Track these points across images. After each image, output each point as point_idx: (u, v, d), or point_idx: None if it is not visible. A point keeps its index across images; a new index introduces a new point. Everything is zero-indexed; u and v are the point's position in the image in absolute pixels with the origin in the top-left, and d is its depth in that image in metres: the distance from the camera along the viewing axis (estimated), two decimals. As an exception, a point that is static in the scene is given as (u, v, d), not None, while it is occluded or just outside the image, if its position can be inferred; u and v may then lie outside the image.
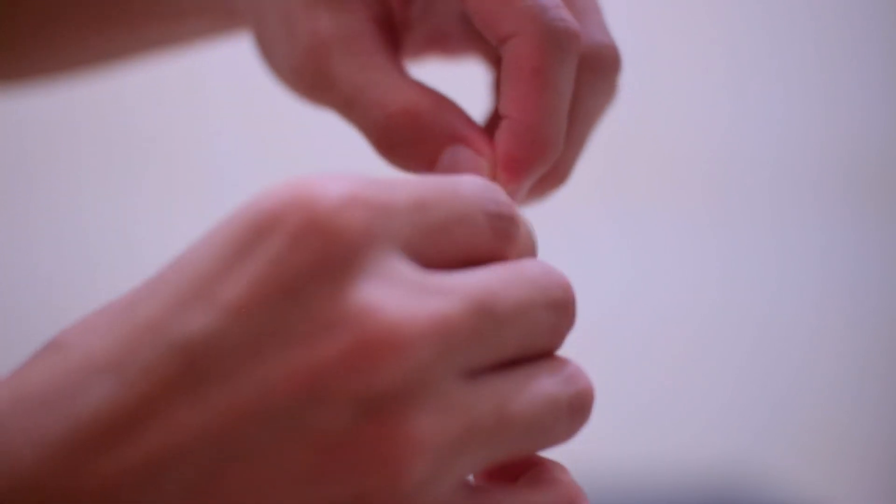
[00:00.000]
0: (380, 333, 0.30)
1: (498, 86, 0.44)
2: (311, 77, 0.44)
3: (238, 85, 1.40)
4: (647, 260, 1.50)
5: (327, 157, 1.06)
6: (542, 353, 0.34)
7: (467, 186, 0.34)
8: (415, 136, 0.42)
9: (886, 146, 1.52)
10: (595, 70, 0.43)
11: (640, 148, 1.49)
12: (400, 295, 0.31)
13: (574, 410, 0.35)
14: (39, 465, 0.30)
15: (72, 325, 0.32)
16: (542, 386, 0.34)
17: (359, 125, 0.43)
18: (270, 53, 0.46)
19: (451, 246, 0.33)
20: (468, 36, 0.48)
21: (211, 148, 1.43)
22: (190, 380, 0.30)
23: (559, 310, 0.34)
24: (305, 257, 0.30)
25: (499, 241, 0.34)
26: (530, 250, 0.36)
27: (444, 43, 0.50)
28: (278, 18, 0.45)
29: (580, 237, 1.47)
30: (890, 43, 1.52)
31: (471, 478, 0.34)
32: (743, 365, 1.50)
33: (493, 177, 0.42)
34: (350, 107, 0.43)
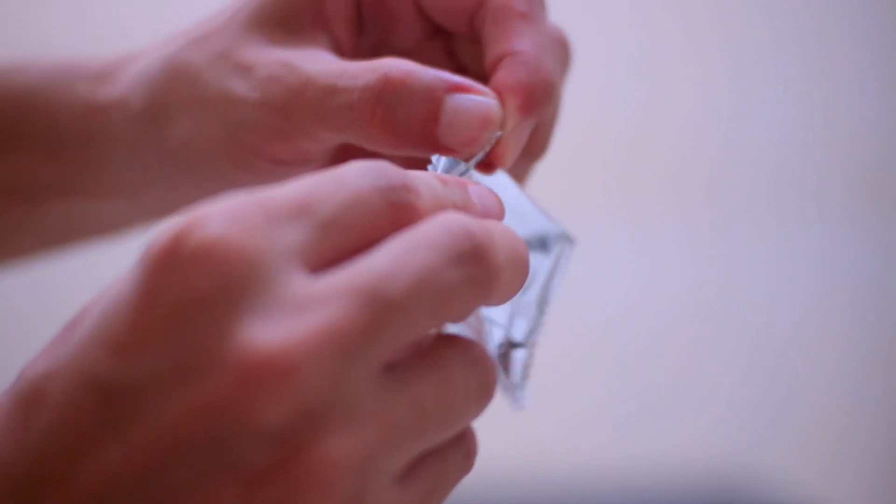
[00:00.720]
0: (262, 364, 0.29)
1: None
2: (284, 93, 0.44)
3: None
4: (648, 260, 1.50)
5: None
6: (460, 314, 0.33)
7: (351, 171, 0.32)
8: (408, 96, 0.41)
9: (886, 147, 1.52)
10: (556, 41, 0.45)
11: (641, 150, 1.49)
12: (282, 317, 0.30)
13: (481, 393, 0.34)
14: None
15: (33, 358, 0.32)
16: (452, 375, 0.33)
17: (345, 116, 0.42)
18: (217, 107, 0.46)
19: (348, 236, 0.32)
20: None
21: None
22: (112, 417, 0.30)
23: (467, 261, 0.32)
24: (185, 292, 0.30)
25: (398, 212, 0.33)
26: (445, 206, 0.34)
27: None
28: (227, 68, 0.45)
29: (581, 238, 1.47)
30: (890, 43, 1.52)
31: None
32: (743, 365, 1.50)
33: (501, 120, 0.41)
34: (331, 97, 0.42)
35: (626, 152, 1.48)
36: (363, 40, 0.48)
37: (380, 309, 0.30)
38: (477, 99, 0.41)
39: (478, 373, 0.33)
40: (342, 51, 0.47)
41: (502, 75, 0.42)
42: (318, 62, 0.44)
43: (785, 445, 1.49)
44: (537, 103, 0.42)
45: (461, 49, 0.48)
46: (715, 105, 1.50)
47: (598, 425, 1.45)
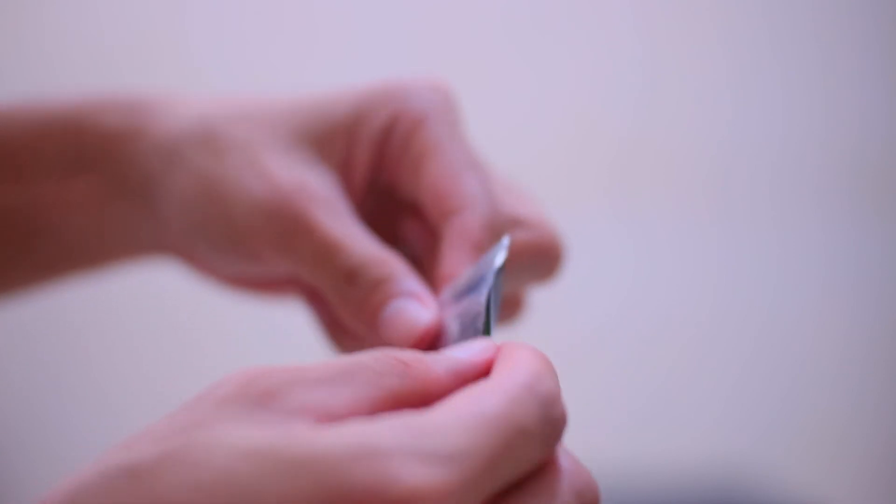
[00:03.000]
0: None
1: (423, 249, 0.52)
2: (288, 222, 0.48)
3: (239, 86, 1.40)
4: (649, 260, 1.50)
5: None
6: None
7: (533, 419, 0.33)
8: (366, 289, 0.47)
9: (887, 146, 1.52)
10: (537, 255, 0.50)
11: (642, 149, 1.49)
12: None
13: None
14: None
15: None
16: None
17: (323, 275, 0.48)
18: (219, 203, 0.49)
19: (512, 473, 0.33)
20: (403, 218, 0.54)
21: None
22: None
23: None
24: None
25: (548, 447, 0.34)
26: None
27: (380, 222, 0.54)
28: (243, 163, 0.49)
29: (582, 238, 1.47)
30: (890, 43, 1.52)
31: None
32: (744, 365, 1.50)
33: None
34: (323, 256, 0.48)
35: (627, 151, 1.48)
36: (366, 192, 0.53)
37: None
38: (410, 307, 0.46)
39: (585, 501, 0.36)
40: (349, 180, 0.51)
41: (439, 287, 0.48)
42: (331, 212, 0.49)
43: (785, 445, 1.49)
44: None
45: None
46: (716, 104, 1.51)
47: (598, 425, 1.45)
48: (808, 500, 1.38)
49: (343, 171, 0.51)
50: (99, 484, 0.30)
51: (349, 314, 0.48)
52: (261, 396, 0.32)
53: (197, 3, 1.46)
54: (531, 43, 1.46)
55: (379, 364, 0.33)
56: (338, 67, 1.40)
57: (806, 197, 1.52)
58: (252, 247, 0.49)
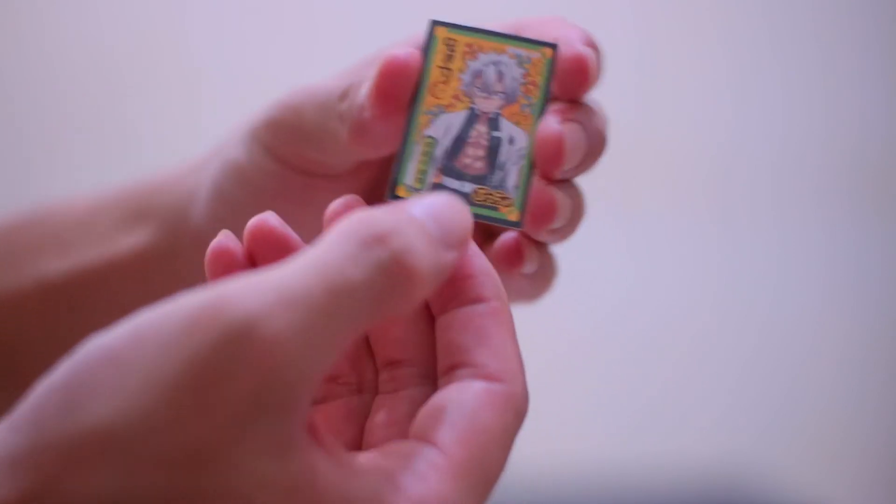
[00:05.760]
0: None
1: None
2: (301, 95, 0.49)
3: (239, 86, 1.40)
4: (649, 260, 1.50)
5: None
6: None
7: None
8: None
9: (887, 146, 1.52)
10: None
11: (641, 149, 1.48)
12: None
13: None
14: None
15: None
16: None
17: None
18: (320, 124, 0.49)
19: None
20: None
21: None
22: None
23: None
24: None
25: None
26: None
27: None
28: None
29: (582, 237, 1.47)
30: (890, 43, 1.52)
31: None
32: (744, 365, 1.50)
33: None
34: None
35: (627, 151, 1.48)
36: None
37: None
38: (396, 52, 0.44)
39: None
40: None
41: None
42: (340, 75, 0.50)
43: (785, 445, 1.49)
44: None
45: None
46: (716, 104, 1.50)
47: (598, 425, 1.45)
48: (808, 500, 1.38)
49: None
50: None
51: (347, 129, 0.45)
52: (279, 407, 0.30)
53: (197, 3, 1.46)
54: (531, 43, 1.46)
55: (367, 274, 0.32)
56: (338, 67, 1.40)
57: (806, 197, 1.52)
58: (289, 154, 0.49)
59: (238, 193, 0.50)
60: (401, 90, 0.43)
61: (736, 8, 1.50)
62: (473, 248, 0.37)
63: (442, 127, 0.42)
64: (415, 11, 1.42)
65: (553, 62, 0.43)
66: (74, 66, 1.43)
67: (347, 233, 0.32)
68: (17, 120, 1.44)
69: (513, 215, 0.42)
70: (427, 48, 0.43)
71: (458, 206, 0.35)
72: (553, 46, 0.43)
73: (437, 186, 0.42)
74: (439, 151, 0.42)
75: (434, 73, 0.43)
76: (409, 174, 0.41)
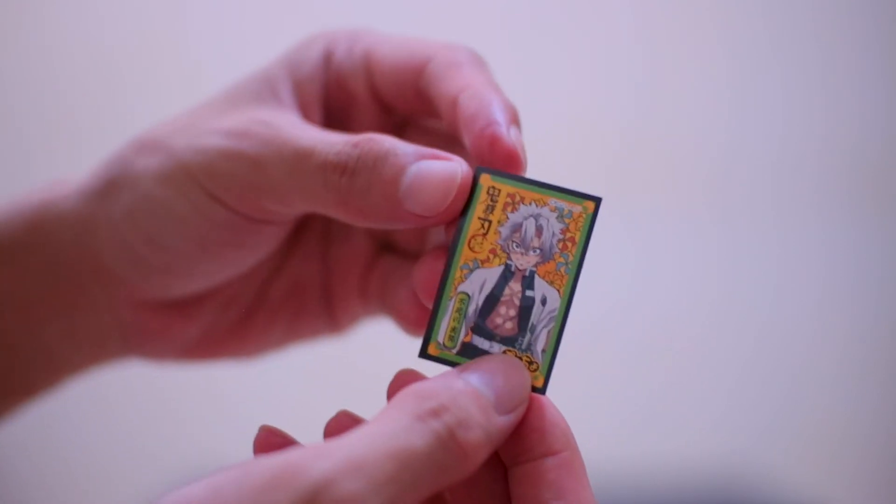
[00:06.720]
0: None
1: None
2: (259, 145, 0.45)
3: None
4: (648, 259, 1.50)
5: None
6: None
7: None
8: (373, 165, 0.43)
9: (887, 146, 1.52)
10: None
11: (641, 148, 1.49)
12: None
13: None
14: None
15: None
16: None
17: (318, 180, 0.44)
18: (183, 161, 0.47)
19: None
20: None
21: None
22: None
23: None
24: None
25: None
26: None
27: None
28: (198, 132, 0.47)
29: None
30: (890, 43, 1.52)
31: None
32: (744, 365, 1.50)
33: None
34: (308, 159, 0.44)
35: (627, 151, 1.48)
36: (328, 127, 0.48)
37: None
38: (438, 164, 0.41)
39: None
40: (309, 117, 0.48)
41: (463, 109, 0.42)
42: (296, 126, 0.45)
43: (785, 445, 1.49)
44: (505, 121, 0.42)
45: (415, 138, 0.48)
46: (716, 104, 1.50)
47: (598, 424, 1.45)
48: (808, 500, 1.38)
49: (298, 112, 0.48)
50: None
51: (358, 209, 0.42)
52: None
53: (197, 3, 1.46)
54: (530, 43, 1.46)
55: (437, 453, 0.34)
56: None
57: (806, 197, 1.52)
58: (237, 205, 0.46)
59: (176, 240, 0.48)
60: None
61: (736, 8, 1.50)
62: (541, 399, 0.39)
63: (477, 283, 0.42)
64: (415, 11, 1.42)
65: (594, 216, 0.44)
66: (75, 65, 1.43)
67: (407, 405, 0.34)
68: (17, 119, 1.44)
69: (537, 381, 0.42)
70: (470, 197, 0.42)
71: (513, 369, 0.37)
72: (596, 200, 0.44)
73: (467, 345, 0.42)
74: (472, 308, 0.42)
75: (474, 225, 0.42)
76: (442, 332, 0.42)
